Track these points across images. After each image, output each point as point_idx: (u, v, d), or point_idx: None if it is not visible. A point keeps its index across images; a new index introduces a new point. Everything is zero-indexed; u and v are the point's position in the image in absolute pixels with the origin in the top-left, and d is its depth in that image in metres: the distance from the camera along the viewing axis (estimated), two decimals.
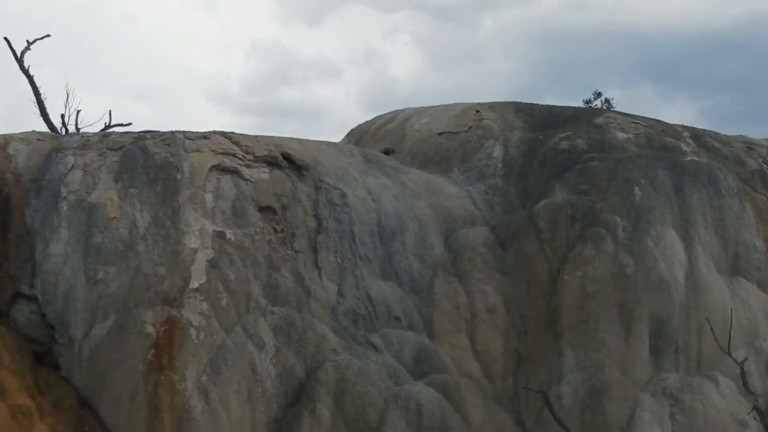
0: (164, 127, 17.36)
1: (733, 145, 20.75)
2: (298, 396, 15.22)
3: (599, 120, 20.05)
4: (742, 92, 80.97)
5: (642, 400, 16.60)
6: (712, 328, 17.12)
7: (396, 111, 22.11)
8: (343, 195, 17.13)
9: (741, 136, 21.78)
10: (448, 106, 21.10)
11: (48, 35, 22.68)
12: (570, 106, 21.57)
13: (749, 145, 21.11)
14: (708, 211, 18.66)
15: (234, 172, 16.62)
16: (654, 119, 20.69)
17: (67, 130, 19.97)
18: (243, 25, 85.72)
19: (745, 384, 16.69)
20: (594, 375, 16.64)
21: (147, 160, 16.27)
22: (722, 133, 21.52)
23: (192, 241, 15.62)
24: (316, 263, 16.39)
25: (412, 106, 22.04)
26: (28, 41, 21.19)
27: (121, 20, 79.19)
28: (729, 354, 16.91)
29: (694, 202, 18.59)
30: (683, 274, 17.72)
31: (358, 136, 22.14)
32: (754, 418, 16.70)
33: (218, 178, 16.44)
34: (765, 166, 20.38)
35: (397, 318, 16.49)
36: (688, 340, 17.36)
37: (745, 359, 16.96)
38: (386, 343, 16.12)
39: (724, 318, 17.38)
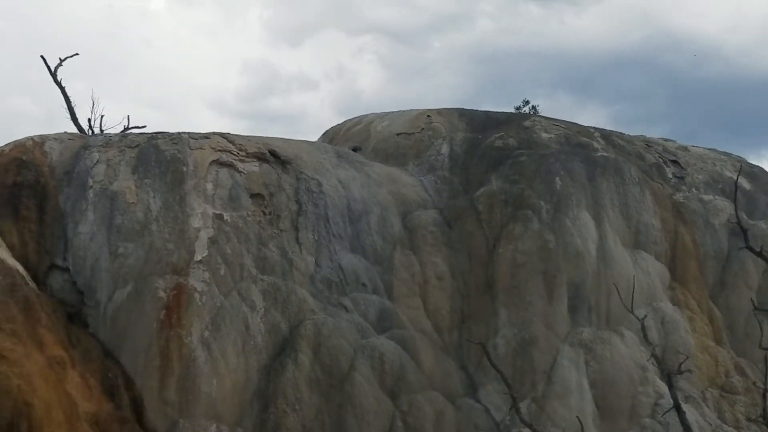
0: (172, 129, 17.32)
1: (635, 143, 20.83)
2: (283, 347, 15.25)
3: (527, 123, 20.05)
4: (642, 100, 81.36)
5: (562, 350, 16.70)
6: (618, 291, 17.12)
7: (362, 116, 22.01)
8: (319, 184, 17.12)
9: (641, 135, 21.90)
10: (404, 111, 21.02)
11: (77, 54, 22.48)
12: (503, 112, 21.51)
13: (648, 143, 21.20)
14: (615, 197, 18.73)
15: (230, 165, 16.56)
16: (571, 122, 20.71)
17: (92, 132, 19.81)
18: (237, 47, 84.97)
19: (645, 336, 16.74)
20: (523, 329, 16.71)
21: (159, 156, 16.23)
22: (626, 133, 21.64)
23: (196, 222, 15.60)
24: (297, 240, 16.39)
25: (375, 111, 22.00)
26: (60, 59, 21.02)
27: (139, 43, 78.37)
28: (632, 312, 16.93)
29: (603, 190, 18.67)
30: (595, 247, 17.81)
31: (331, 136, 22.02)
32: (653, 363, 16.80)
33: (217, 171, 16.39)
34: (661, 159, 20.49)
35: (363, 284, 16.51)
36: (599, 301, 17.46)
37: (645, 316, 16.99)
38: (355, 304, 16.14)
39: (627, 283, 17.37)
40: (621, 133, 21.32)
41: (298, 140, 19.21)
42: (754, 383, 17.38)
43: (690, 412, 16.10)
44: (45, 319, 14.10)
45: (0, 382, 12.85)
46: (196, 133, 17.19)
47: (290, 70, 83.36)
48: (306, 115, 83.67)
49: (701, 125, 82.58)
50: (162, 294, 14.76)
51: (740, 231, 17.82)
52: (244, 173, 16.61)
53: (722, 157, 21.87)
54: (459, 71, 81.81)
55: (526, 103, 23.28)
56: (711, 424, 16.83)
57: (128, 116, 20.78)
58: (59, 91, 20.84)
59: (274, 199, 16.61)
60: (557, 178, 18.22)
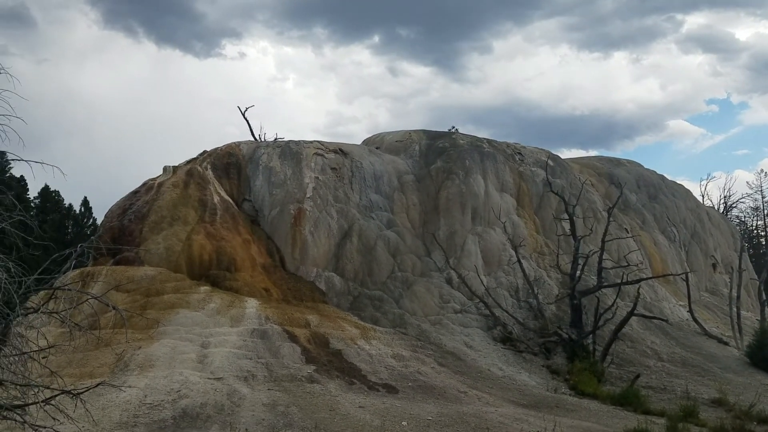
0: (296, 139, 17.16)
1: (501, 145, 20.31)
2: (345, 235, 15.17)
3: (453, 136, 19.55)
4: (504, 127, 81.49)
5: (468, 236, 16.37)
6: (492, 210, 17.10)
7: (379, 133, 21.49)
8: (361, 163, 16.89)
9: (505, 141, 21.25)
10: (398, 131, 20.52)
11: (253, 105, 23.23)
12: (443, 131, 21.03)
13: (507, 144, 20.62)
14: (492, 169, 18.32)
15: (321, 155, 16.42)
16: (473, 135, 20.21)
17: (261, 140, 19.62)
18: (324, 104, 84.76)
19: (505, 230, 16.71)
20: (451, 227, 16.44)
21: (291, 151, 16.10)
22: (498, 140, 21.14)
23: (307, 180, 15.48)
24: (351, 188, 16.23)
25: (385, 131, 21.62)
26: (246, 107, 20.85)
27: (281, 101, 78.08)
28: (499, 219, 16.92)
29: (488, 166, 18.26)
30: (483, 192, 17.45)
31: (366, 142, 21.44)
32: (508, 242, 16.68)
33: (316, 157, 16.23)
34: (513, 152, 20.07)
35: (380, 207, 16.33)
36: (485, 214, 17.13)
37: (505, 221, 16.97)
38: (377, 216, 16.01)
39: (497, 207, 17.32)
40: (496, 140, 20.88)
41: (352, 144, 18.92)
42: (552, 251, 17.36)
43: (524, 262, 16.19)
44: (241, 222, 14.24)
45: (223, 249, 13.02)
46: (307, 141, 16.97)
47: (347, 114, 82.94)
48: (355, 134, 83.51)
49: (531, 137, 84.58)
50: (292, 211, 14.71)
51: (548, 184, 17.67)
52: (327, 158, 16.43)
53: (541, 150, 21.44)
54: (423, 114, 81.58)
55: (453, 127, 22.68)
56: (533, 269, 16.83)
57: (276, 133, 20.64)
58: (246, 122, 20.65)
59: (341, 170, 16.41)
60: (467, 161, 17.85)
